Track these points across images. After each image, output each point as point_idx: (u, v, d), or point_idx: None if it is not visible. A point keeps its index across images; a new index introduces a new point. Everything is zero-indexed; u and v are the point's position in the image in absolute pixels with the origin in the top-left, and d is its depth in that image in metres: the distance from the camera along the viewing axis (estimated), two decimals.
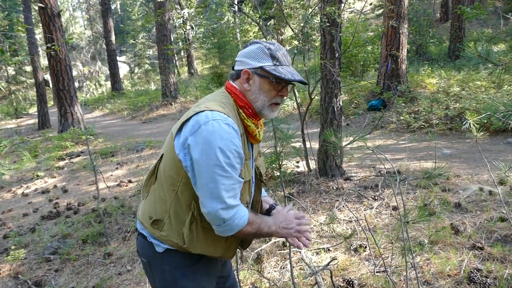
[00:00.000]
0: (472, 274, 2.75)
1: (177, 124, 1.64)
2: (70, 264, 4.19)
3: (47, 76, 23.30)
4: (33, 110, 22.67)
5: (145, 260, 1.77)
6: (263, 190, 1.96)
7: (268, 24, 23.16)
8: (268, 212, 1.92)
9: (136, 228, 1.82)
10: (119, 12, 42.56)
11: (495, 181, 3.57)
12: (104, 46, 28.46)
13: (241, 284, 3.14)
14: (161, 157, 1.70)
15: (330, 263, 3.25)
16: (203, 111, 1.54)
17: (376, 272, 3.08)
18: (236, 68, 1.69)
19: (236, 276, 2.79)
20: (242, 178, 1.60)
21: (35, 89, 17.22)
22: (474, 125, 3.22)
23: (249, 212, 1.62)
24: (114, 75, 23.68)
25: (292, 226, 1.74)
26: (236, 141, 1.52)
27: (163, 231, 1.66)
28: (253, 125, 1.68)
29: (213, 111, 1.53)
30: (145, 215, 1.73)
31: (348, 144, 2.69)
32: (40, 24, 12.62)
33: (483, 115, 4.17)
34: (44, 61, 26.98)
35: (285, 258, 3.56)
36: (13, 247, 4.52)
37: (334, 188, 5.03)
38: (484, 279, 2.69)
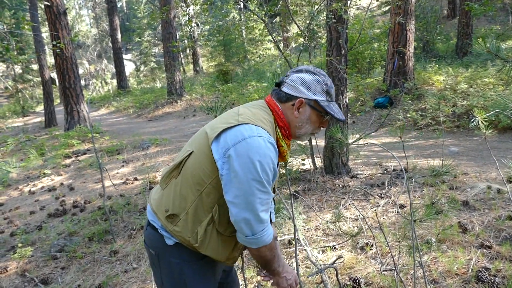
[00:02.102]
0: (480, 273, 2.71)
1: (214, 127, 1.64)
2: (76, 261, 4.20)
3: (54, 74, 23.43)
4: (40, 108, 22.80)
5: (153, 252, 1.78)
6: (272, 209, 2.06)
7: (274, 21, 23.13)
8: None
9: (148, 221, 1.81)
10: (125, 10, 42.67)
11: (504, 179, 3.53)
12: (110, 44, 28.53)
13: (247, 283, 3.13)
14: (190, 154, 1.68)
15: (336, 262, 3.23)
16: (248, 123, 1.57)
17: (383, 270, 3.06)
18: (286, 91, 1.69)
19: (242, 274, 2.78)
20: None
21: (41, 87, 17.30)
22: (482, 123, 3.18)
23: (273, 239, 1.67)
24: (120, 73, 23.74)
25: (291, 281, 1.83)
26: (275, 160, 1.58)
27: (177, 226, 1.67)
28: (286, 145, 1.72)
29: (258, 126, 1.57)
30: (161, 207, 1.72)
31: (355, 141, 2.67)
32: (46, 23, 12.66)
33: (492, 112, 4.14)
34: (50, 60, 27.11)
35: (291, 256, 3.55)
36: (20, 244, 4.54)
37: (340, 186, 5.01)
38: (492, 278, 2.66)
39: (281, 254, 1.77)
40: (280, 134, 1.69)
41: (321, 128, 1.77)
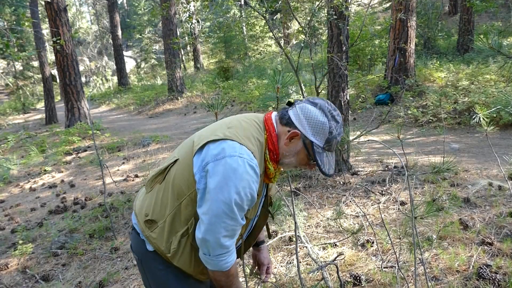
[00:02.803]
0: (481, 270, 2.71)
1: (201, 137, 1.58)
2: (77, 258, 4.21)
3: (54, 71, 23.39)
4: (41, 105, 22.79)
5: (137, 257, 1.75)
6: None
7: (274, 18, 23.07)
8: (256, 245, 2.02)
9: (132, 225, 1.79)
10: (125, 7, 42.59)
11: (505, 176, 3.53)
12: (110, 41, 28.51)
13: (247, 279, 3.13)
14: (175, 161, 1.64)
15: (337, 258, 3.23)
16: (233, 140, 1.49)
17: (384, 267, 3.05)
18: (291, 115, 1.58)
19: (243, 271, 2.78)
20: (246, 218, 1.59)
21: (42, 84, 17.29)
22: (484, 119, 3.17)
23: (235, 266, 1.61)
24: (120, 70, 23.72)
25: None
26: (253, 185, 1.48)
27: (153, 233, 1.63)
28: (273, 168, 1.62)
29: (242, 145, 1.48)
30: (142, 210, 1.69)
31: (356, 138, 2.66)
32: (47, 19, 12.63)
33: (493, 109, 4.12)
34: (51, 56, 27.07)
35: (291, 253, 3.54)
36: (21, 241, 4.54)
37: (341, 182, 5.00)
38: (493, 275, 2.65)
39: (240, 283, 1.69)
40: (268, 156, 1.59)
41: (308, 167, 1.67)
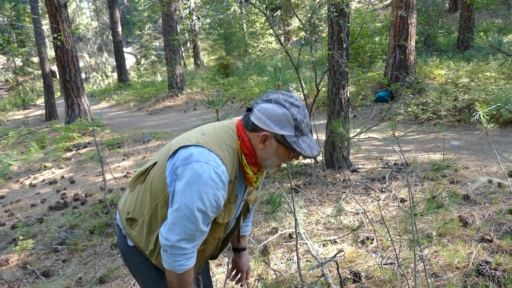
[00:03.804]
0: (481, 266, 2.72)
1: (177, 143, 1.61)
2: (77, 254, 4.22)
3: (54, 67, 23.37)
4: (40, 101, 22.78)
5: (121, 252, 1.83)
6: (248, 222, 2.10)
7: (275, 14, 23.02)
8: (237, 251, 2.12)
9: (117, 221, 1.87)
10: (126, 3, 42.46)
11: (505, 173, 3.53)
12: (110, 37, 28.45)
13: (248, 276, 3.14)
14: (154, 164, 1.68)
15: (337, 255, 3.24)
16: (202, 146, 1.52)
17: (384, 264, 3.06)
18: (254, 120, 1.57)
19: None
20: (217, 223, 1.63)
21: (42, 80, 17.27)
22: (484, 117, 3.18)
23: (192, 274, 1.63)
24: (120, 66, 23.68)
25: None
26: (219, 192, 1.49)
27: (133, 230, 1.70)
28: (252, 172, 1.64)
29: (211, 152, 1.50)
30: (125, 208, 1.76)
31: (356, 135, 2.67)
32: (47, 15, 12.61)
33: (493, 106, 4.12)
34: (51, 52, 27.02)
35: (291, 250, 3.56)
36: (21, 237, 4.55)
37: (341, 180, 5.01)
38: (493, 271, 2.67)
39: None
40: (245, 161, 1.61)
41: (292, 159, 1.66)
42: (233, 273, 2.17)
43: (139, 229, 1.68)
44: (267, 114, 1.54)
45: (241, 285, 2.17)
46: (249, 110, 1.62)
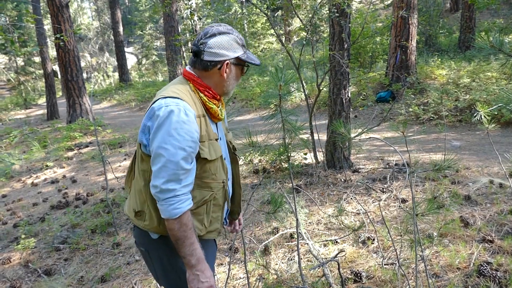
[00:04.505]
0: (482, 267, 2.72)
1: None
2: (79, 253, 4.23)
3: (56, 67, 23.41)
4: (42, 100, 22.81)
5: (143, 248, 1.84)
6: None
7: (276, 15, 23.03)
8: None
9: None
10: (127, 3, 42.49)
11: (506, 174, 3.54)
12: (112, 37, 28.47)
13: (249, 276, 3.15)
14: (135, 151, 1.78)
15: (338, 255, 3.25)
16: (159, 98, 1.64)
17: (385, 264, 3.07)
18: (209, 59, 1.72)
19: (245, 267, 2.80)
20: (208, 161, 1.70)
21: (44, 80, 17.30)
22: (485, 117, 3.18)
23: (188, 216, 1.62)
24: (121, 66, 23.70)
25: (205, 286, 1.66)
26: (188, 126, 1.58)
27: (145, 221, 1.73)
28: (215, 106, 1.77)
29: (166, 97, 1.62)
30: (130, 209, 1.80)
31: (357, 136, 2.67)
32: (49, 15, 12.63)
33: (494, 106, 4.12)
34: (52, 52, 27.06)
35: (292, 250, 3.56)
36: (23, 236, 4.56)
37: (342, 180, 5.01)
38: (494, 272, 2.67)
39: (199, 248, 1.67)
40: (205, 97, 1.74)
41: (241, 76, 1.87)
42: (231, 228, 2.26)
43: (149, 215, 1.71)
44: (220, 46, 1.71)
45: (233, 231, 2.27)
46: (196, 55, 1.74)
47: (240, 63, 1.79)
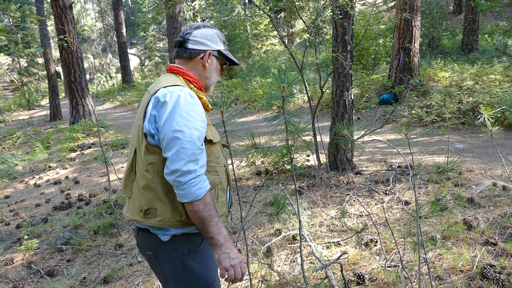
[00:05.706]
0: (485, 270, 2.71)
1: (140, 115, 1.72)
2: (81, 254, 4.23)
3: (59, 68, 23.50)
4: (45, 101, 22.87)
5: (150, 252, 1.78)
6: None
7: (279, 16, 23.05)
8: None
9: (137, 227, 1.83)
10: (130, 5, 42.62)
11: (509, 176, 3.53)
12: (115, 38, 28.57)
13: (251, 277, 3.15)
14: (135, 152, 1.74)
15: (341, 257, 3.24)
16: (158, 89, 1.66)
17: (387, 266, 3.06)
18: (193, 47, 1.81)
19: (247, 269, 2.79)
20: (211, 142, 1.74)
21: (47, 81, 17.36)
22: (488, 119, 3.18)
23: (209, 195, 1.64)
24: (124, 68, 23.75)
25: (236, 261, 1.70)
26: (197, 108, 1.65)
27: (158, 217, 1.68)
28: (204, 97, 1.83)
29: (166, 86, 1.66)
30: (135, 211, 1.74)
31: (360, 138, 2.67)
32: (52, 16, 12.68)
33: (498, 109, 4.12)
34: (56, 53, 27.16)
35: (295, 252, 3.56)
36: (26, 237, 4.57)
37: (345, 182, 5.01)
38: (497, 275, 2.66)
39: (224, 227, 1.70)
40: (194, 88, 1.79)
41: (222, 73, 1.95)
42: None
43: (161, 210, 1.68)
44: (204, 36, 1.82)
45: None
46: (180, 45, 1.82)
47: (221, 57, 1.88)
